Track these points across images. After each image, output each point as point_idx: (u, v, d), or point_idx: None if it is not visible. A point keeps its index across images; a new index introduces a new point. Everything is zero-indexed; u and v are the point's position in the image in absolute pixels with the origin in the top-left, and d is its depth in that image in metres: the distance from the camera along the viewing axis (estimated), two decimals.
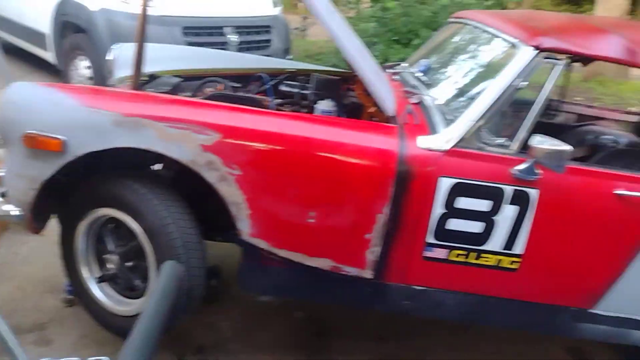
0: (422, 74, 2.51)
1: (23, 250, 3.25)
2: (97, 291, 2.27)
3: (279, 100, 2.57)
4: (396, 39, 6.89)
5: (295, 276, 2.17)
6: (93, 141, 1.96)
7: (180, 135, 1.92)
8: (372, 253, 2.07)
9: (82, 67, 5.28)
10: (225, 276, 2.99)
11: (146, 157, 2.09)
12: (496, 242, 2.05)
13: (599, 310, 2.17)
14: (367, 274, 2.10)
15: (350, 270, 2.10)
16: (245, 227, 2.03)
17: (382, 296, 2.17)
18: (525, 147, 1.97)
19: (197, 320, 2.63)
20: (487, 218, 2.03)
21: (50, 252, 3.23)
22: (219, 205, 2.04)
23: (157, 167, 2.37)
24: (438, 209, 2.02)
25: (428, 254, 2.08)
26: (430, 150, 2.01)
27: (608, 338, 2.24)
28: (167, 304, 0.90)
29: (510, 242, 2.05)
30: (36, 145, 2.00)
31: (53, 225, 3.12)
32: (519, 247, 2.05)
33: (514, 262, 2.07)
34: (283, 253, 2.08)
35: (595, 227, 2.04)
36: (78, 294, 2.37)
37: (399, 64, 3.00)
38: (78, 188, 2.17)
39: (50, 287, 2.89)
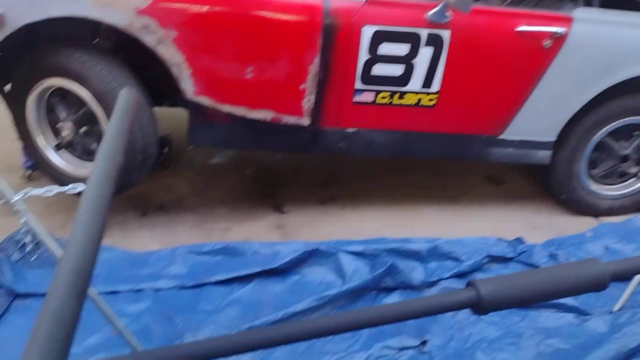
0: None
1: None
2: (57, 158, 2.43)
3: None
4: None
5: (240, 129, 2.39)
6: (30, 12, 2.02)
7: (113, 0, 2.01)
8: (308, 102, 2.29)
9: None
10: (176, 145, 3.20)
11: (83, 31, 2.18)
12: (415, 82, 2.30)
13: (506, 136, 2.51)
14: (305, 121, 2.34)
15: (289, 119, 2.33)
16: (188, 86, 2.19)
17: (319, 140, 2.43)
18: None
19: (155, 183, 2.87)
20: (406, 61, 2.26)
21: (1, 137, 3.33)
22: (162, 71, 2.19)
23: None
24: (363, 56, 2.23)
25: (357, 98, 2.32)
26: (352, 1, 2.17)
27: (516, 159, 2.60)
28: (126, 128, 1.06)
29: (427, 81, 2.30)
30: None
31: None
32: (436, 85, 2.31)
33: (431, 99, 2.34)
34: (227, 108, 2.27)
35: (500, 61, 2.31)
36: (38, 164, 2.53)
37: None
38: (22, 62, 2.25)
39: (7, 167, 3.03)
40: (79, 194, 2.06)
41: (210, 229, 2.60)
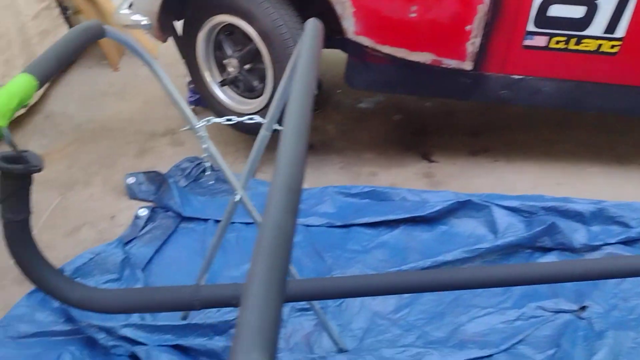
0: None
1: (142, 72, 3.60)
2: (221, 94, 2.56)
3: None
4: None
5: (398, 72, 2.33)
6: None
7: None
8: (472, 44, 2.16)
9: None
10: (325, 88, 3.22)
11: None
12: (597, 26, 2.07)
13: None
14: (467, 65, 2.22)
15: (451, 63, 2.22)
16: (350, 25, 2.16)
17: (480, 86, 2.30)
18: None
19: None
20: (589, 2, 2.03)
21: (165, 72, 3.57)
22: (321, 11, 2.17)
23: None
24: None
25: (528, 42, 2.15)
26: None
27: None
28: (316, 55, 1.05)
29: (611, 25, 2.06)
30: None
31: (164, 49, 3.42)
32: (621, 31, 2.06)
33: (614, 46, 2.10)
34: (386, 49, 2.21)
35: None
36: (204, 99, 2.68)
37: None
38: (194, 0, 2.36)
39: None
40: (245, 128, 2.18)
41: (358, 172, 2.61)
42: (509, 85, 2.27)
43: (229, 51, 2.42)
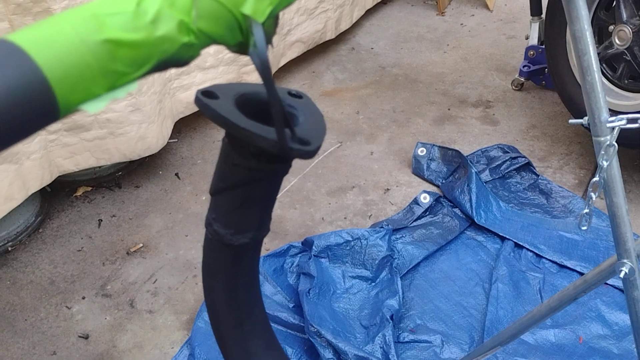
0: None
1: (470, 22, 2.99)
2: None
3: None
4: None
5: None
6: None
7: None
8: None
9: None
10: None
11: None
12: None
13: None
14: None
15: None
16: None
17: None
18: None
19: None
20: None
21: (496, 29, 2.90)
22: None
23: None
24: None
25: None
26: None
27: None
28: None
29: None
30: None
31: (505, 1, 2.74)
32: None
33: None
34: None
35: None
36: (550, 74, 1.95)
37: None
38: None
39: (495, 65, 2.58)
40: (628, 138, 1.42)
41: None
42: None
43: (624, 13, 1.62)
